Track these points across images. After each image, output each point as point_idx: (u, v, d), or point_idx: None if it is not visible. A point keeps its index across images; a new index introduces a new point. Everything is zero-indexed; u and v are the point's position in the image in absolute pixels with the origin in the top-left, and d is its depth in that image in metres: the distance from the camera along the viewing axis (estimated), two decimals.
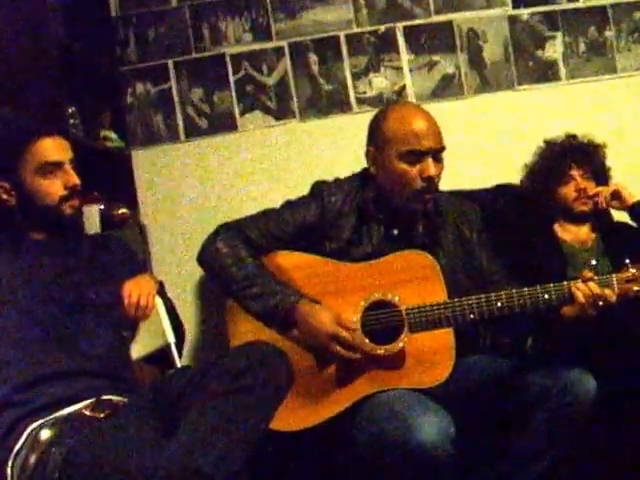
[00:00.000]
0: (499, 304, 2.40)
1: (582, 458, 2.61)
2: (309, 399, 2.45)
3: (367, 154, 2.64)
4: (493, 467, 2.47)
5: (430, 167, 2.50)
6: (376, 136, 2.61)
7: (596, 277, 2.38)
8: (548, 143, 3.16)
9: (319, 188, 2.70)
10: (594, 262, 3.02)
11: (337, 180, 2.74)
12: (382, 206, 2.61)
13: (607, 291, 2.34)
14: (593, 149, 3.10)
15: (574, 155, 3.07)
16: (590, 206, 3.06)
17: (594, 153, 3.10)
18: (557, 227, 3.11)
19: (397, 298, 2.47)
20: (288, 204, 2.71)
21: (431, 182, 2.52)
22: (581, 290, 2.34)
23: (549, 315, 2.44)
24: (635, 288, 2.36)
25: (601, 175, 3.10)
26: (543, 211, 3.14)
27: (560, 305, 2.39)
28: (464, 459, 2.30)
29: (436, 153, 2.53)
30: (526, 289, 2.39)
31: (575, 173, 3.06)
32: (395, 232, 2.60)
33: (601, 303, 2.33)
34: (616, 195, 2.99)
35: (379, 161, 2.59)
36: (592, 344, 2.67)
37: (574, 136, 3.13)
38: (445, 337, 2.44)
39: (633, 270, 2.38)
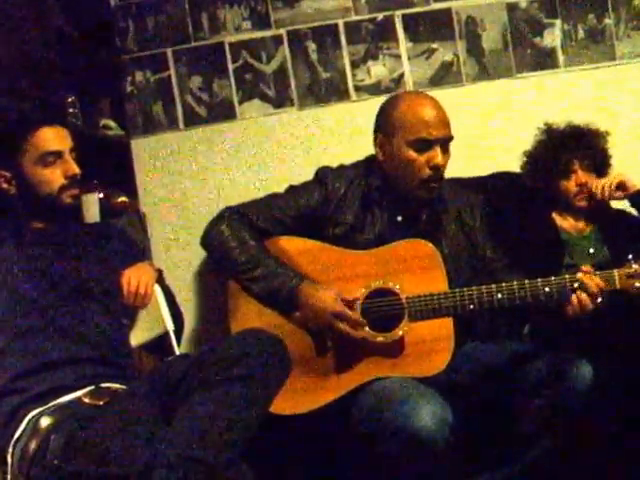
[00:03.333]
0: (499, 295, 2.41)
1: (579, 445, 2.63)
2: (309, 384, 2.47)
3: (375, 140, 2.64)
4: (490, 454, 2.49)
5: (438, 156, 2.51)
6: (385, 123, 2.61)
7: (598, 272, 2.37)
8: (549, 130, 3.13)
9: (323, 173, 2.71)
10: (592, 250, 3.02)
11: (342, 166, 2.75)
12: (386, 193, 2.62)
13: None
14: (596, 139, 3.07)
15: (577, 148, 3.03)
16: (589, 202, 3.04)
17: (597, 144, 3.07)
18: (555, 215, 3.10)
19: (398, 286, 2.48)
20: (292, 189, 2.72)
21: (438, 171, 2.53)
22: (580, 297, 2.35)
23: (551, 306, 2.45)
24: (637, 284, 2.36)
25: (602, 165, 3.09)
26: (541, 199, 3.14)
27: (560, 298, 2.39)
28: (462, 446, 2.32)
29: (444, 142, 2.54)
30: (527, 281, 2.40)
31: (577, 167, 3.03)
32: (399, 219, 2.61)
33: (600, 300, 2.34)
34: (621, 186, 2.98)
35: (387, 148, 2.59)
36: (590, 332, 2.67)
37: (577, 126, 3.10)
38: (444, 326, 2.45)
39: (636, 266, 2.37)
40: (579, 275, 2.36)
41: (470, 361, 2.55)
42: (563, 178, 3.05)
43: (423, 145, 2.52)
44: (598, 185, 2.98)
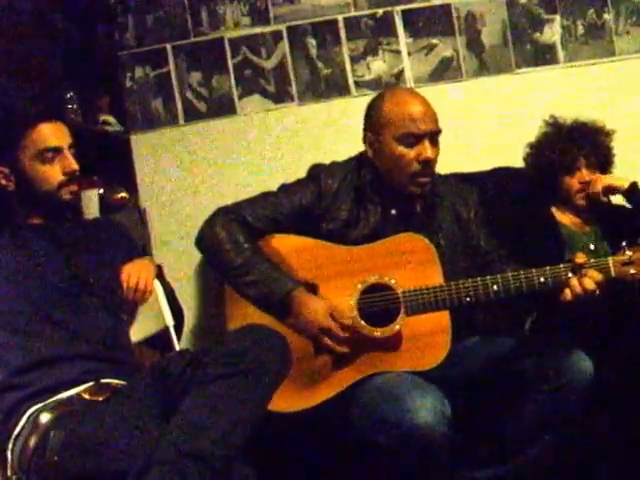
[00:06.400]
0: (495, 287, 2.41)
1: (580, 440, 2.64)
2: (307, 381, 2.47)
3: (364, 139, 2.65)
4: (489, 448, 2.49)
5: (427, 150, 2.51)
6: (373, 121, 2.62)
7: (592, 260, 2.38)
8: (556, 124, 3.12)
9: (316, 171, 2.71)
10: (592, 246, 3.02)
11: (334, 163, 2.75)
12: (379, 188, 2.62)
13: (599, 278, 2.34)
14: (602, 137, 3.07)
15: (583, 145, 3.03)
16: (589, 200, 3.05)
17: (603, 142, 3.06)
18: (555, 210, 3.10)
19: (394, 281, 2.48)
20: (285, 187, 2.72)
21: (427, 165, 2.53)
22: (573, 286, 2.35)
23: (548, 297, 2.45)
24: (632, 271, 2.35)
25: (606, 163, 3.08)
26: (541, 194, 3.14)
27: (556, 289, 2.39)
28: (460, 441, 2.32)
29: (432, 136, 2.54)
30: (522, 272, 2.40)
31: (582, 165, 3.03)
32: (393, 212, 2.61)
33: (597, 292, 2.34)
34: (609, 189, 2.97)
35: (376, 145, 2.60)
36: (590, 326, 2.67)
37: (585, 123, 3.09)
38: (441, 320, 2.45)
39: (629, 253, 2.36)
40: (571, 280, 2.35)
41: (470, 356, 2.55)
42: (567, 174, 3.04)
43: (411, 140, 2.52)
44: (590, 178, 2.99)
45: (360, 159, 2.69)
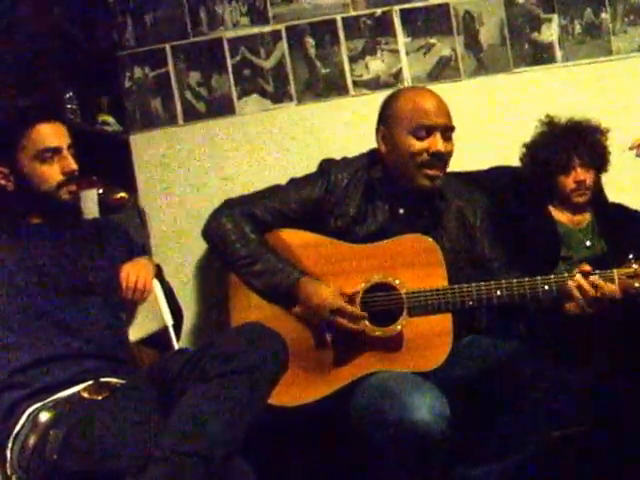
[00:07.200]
0: (498, 293, 2.41)
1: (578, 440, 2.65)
2: (307, 376, 2.48)
3: (377, 133, 2.64)
4: (486, 448, 2.49)
5: (438, 142, 2.51)
6: (387, 116, 2.61)
7: (597, 271, 2.37)
8: (551, 123, 3.13)
9: (327, 165, 2.71)
10: (588, 243, 3.03)
11: (345, 158, 2.75)
12: (389, 185, 2.62)
13: (609, 288, 2.33)
14: (597, 136, 3.07)
15: (577, 144, 3.03)
16: (587, 197, 3.06)
17: (597, 141, 3.07)
18: (552, 208, 3.11)
19: (398, 281, 2.48)
20: (294, 181, 2.72)
21: (437, 157, 2.53)
22: (579, 286, 2.34)
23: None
24: (637, 284, 2.33)
25: (602, 162, 3.09)
26: (538, 192, 3.15)
27: (559, 297, 2.39)
28: (459, 439, 2.33)
29: (445, 130, 2.54)
30: (526, 279, 2.40)
31: (576, 164, 3.03)
32: (401, 211, 2.61)
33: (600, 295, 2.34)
34: None
35: (389, 140, 2.59)
36: (589, 331, 2.67)
37: (578, 122, 3.10)
38: (443, 322, 2.45)
39: (636, 266, 2.34)
40: (577, 277, 2.36)
41: (468, 355, 2.55)
42: (562, 173, 3.05)
43: (423, 132, 2.52)
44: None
45: (371, 156, 2.69)
